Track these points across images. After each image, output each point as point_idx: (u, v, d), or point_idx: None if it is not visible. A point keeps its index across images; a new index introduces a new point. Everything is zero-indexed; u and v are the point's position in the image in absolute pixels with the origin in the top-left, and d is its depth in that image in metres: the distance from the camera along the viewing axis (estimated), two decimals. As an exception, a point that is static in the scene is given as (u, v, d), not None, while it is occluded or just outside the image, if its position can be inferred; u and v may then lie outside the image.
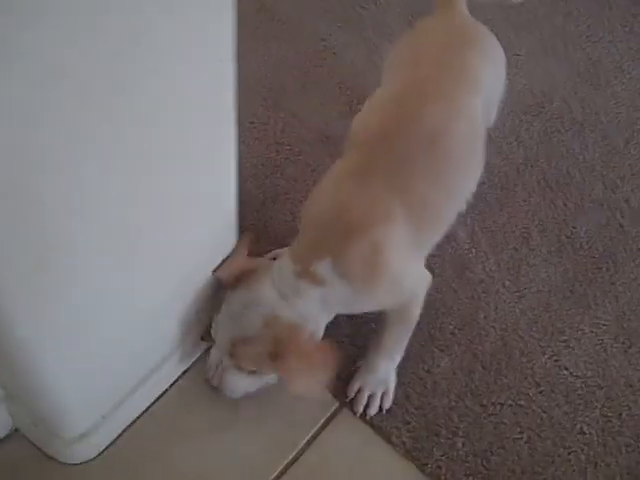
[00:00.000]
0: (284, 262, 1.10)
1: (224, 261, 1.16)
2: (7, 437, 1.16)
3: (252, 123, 1.51)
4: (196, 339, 1.22)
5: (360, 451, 1.20)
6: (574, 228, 1.43)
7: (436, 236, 1.20)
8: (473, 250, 1.39)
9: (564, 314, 1.33)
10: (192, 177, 0.98)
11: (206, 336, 1.19)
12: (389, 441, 1.20)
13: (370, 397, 1.22)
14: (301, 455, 1.19)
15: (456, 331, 1.30)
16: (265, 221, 1.39)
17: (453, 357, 1.28)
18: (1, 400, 1.12)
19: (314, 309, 1.10)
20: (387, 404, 1.22)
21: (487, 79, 1.26)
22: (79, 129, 0.75)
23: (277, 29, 1.70)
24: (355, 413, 1.22)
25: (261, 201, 1.41)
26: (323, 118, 1.55)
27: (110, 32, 0.71)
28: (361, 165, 1.12)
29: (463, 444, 1.19)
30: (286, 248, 1.15)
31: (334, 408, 1.23)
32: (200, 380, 1.22)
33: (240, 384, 1.15)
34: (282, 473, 1.17)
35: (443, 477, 1.16)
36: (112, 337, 1.04)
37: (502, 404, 1.24)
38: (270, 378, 1.15)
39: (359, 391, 1.23)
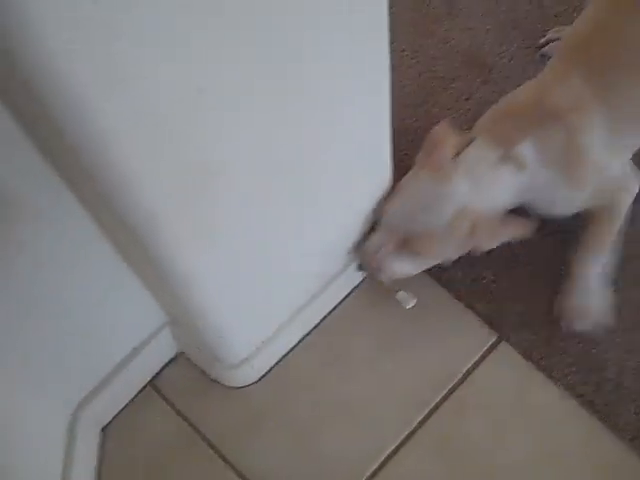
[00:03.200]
0: (481, 149, 1.11)
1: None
2: (173, 360, 1.22)
3: (403, 51, 1.46)
4: (351, 271, 1.21)
5: (519, 386, 1.16)
6: None
7: (632, 132, 1.18)
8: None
9: None
10: (349, 110, 0.94)
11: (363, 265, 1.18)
12: (550, 376, 1.15)
13: (581, 310, 1.17)
14: (456, 389, 1.17)
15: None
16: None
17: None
18: (166, 325, 1.17)
19: (508, 197, 1.12)
20: (603, 318, 1.17)
21: None
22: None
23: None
24: (563, 328, 1.18)
25: (414, 130, 1.37)
26: (475, 43, 1.48)
27: None
28: (564, 64, 1.17)
29: (633, 382, 1.13)
30: (475, 139, 1.14)
31: (493, 340, 1.20)
32: (357, 308, 1.23)
33: (402, 267, 1.15)
34: (437, 406, 1.16)
35: (611, 414, 1.11)
36: (275, 268, 1.05)
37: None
38: (432, 263, 1.17)
39: (569, 307, 1.18)
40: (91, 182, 0.74)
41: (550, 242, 1.25)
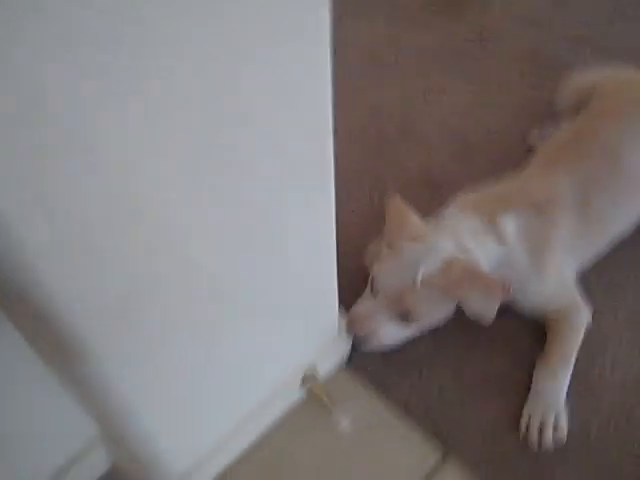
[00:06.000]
0: (465, 218, 1.19)
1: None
2: (105, 476, 1.15)
3: (355, 170, 1.50)
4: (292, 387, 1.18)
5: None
6: None
7: (594, 248, 1.28)
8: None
9: None
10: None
11: (307, 382, 1.19)
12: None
13: (542, 426, 1.15)
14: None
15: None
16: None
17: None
18: (99, 437, 1.11)
19: (489, 266, 1.16)
20: (561, 434, 1.14)
21: None
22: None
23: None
24: (531, 446, 1.14)
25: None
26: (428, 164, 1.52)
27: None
28: (549, 162, 1.28)
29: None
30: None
31: (440, 454, 1.14)
32: (299, 426, 1.18)
33: (392, 332, 1.18)
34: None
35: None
36: (212, 390, 1.01)
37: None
38: (419, 327, 1.20)
39: (530, 423, 1.16)
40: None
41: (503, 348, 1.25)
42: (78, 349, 0.76)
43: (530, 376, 1.21)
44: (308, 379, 1.18)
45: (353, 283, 1.27)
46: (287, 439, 1.17)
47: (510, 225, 1.17)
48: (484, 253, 1.16)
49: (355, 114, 1.63)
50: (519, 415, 1.17)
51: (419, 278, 1.11)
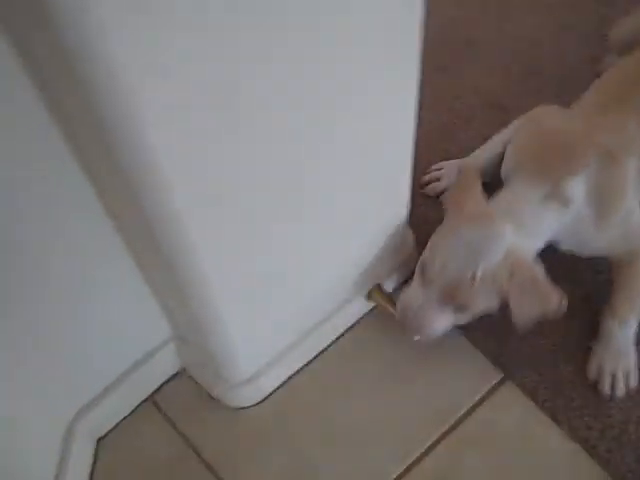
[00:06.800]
0: (524, 188, 1.10)
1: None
2: (175, 376, 1.21)
3: (424, 87, 1.47)
4: (360, 298, 1.22)
5: (522, 427, 1.15)
6: None
7: None
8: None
9: None
10: (375, 141, 0.96)
11: (373, 294, 1.19)
12: (554, 419, 1.15)
13: (613, 377, 1.15)
14: (459, 424, 1.16)
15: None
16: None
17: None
18: (170, 340, 1.16)
19: (550, 235, 1.10)
20: (633, 382, 1.15)
21: None
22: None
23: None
24: (604, 397, 1.15)
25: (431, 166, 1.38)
26: (496, 84, 1.49)
27: None
28: (612, 103, 1.16)
29: (635, 429, 1.13)
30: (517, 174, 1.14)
31: (498, 379, 1.19)
32: (365, 336, 1.23)
33: (445, 323, 1.10)
34: (437, 442, 1.15)
35: (613, 461, 1.10)
36: (289, 286, 1.05)
37: (681, 391, 1.16)
38: (473, 315, 1.11)
39: (600, 372, 1.16)
40: (119, 176, 0.74)
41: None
42: (174, 235, 0.81)
43: (591, 310, 1.22)
44: (374, 292, 1.21)
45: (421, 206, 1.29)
46: (352, 351, 1.22)
47: (578, 189, 1.09)
48: (544, 226, 1.09)
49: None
50: (577, 348, 1.20)
51: (479, 274, 1.03)
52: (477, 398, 1.18)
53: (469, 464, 1.13)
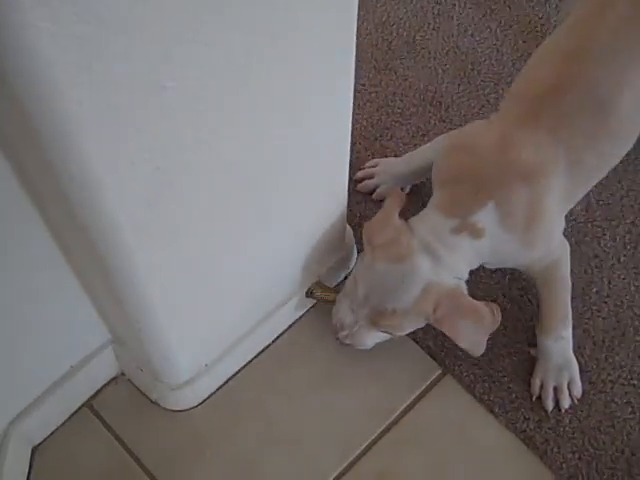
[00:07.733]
0: (434, 219, 1.08)
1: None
2: (112, 380, 1.19)
3: (363, 85, 1.48)
4: (299, 298, 1.21)
5: (461, 421, 1.17)
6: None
7: (580, 196, 1.17)
8: (588, 225, 1.33)
9: (685, 293, 1.26)
10: (311, 134, 0.95)
11: (314, 290, 1.20)
12: (491, 411, 1.16)
13: (556, 389, 1.16)
14: (399, 420, 1.17)
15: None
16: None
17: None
18: (108, 343, 1.14)
19: (467, 263, 1.08)
20: (577, 392, 1.16)
21: None
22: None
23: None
24: (547, 411, 1.16)
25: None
26: (435, 83, 1.50)
27: None
28: (528, 116, 1.09)
29: (570, 420, 1.15)
30: (426, 209, 1.12)
31: (436, 374, 1.20)
32: (303, 336, 1.23)
33: (375, 339, 1.12)
34: (378, 438, 1.15)
35: (549, 452, 1.12)
36: (226, 287, 1.04)
37: (613, 382, 1.18)
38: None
39: (542, 386, 1.17)
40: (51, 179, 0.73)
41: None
42: (110, 236, 0.80)
43: (525, 305, 1.25)
44: (315, 288, 1.21)
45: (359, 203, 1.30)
46: (290, 351, 1.22)
47: (488, 219, 1.05)
48: (459, 258, 1.07)
49: (363, 30, 1.59)
50: (514, 342, 1.22)
51: (398, 310, 1.05)
52: (417, 394, 1.19)
53: (408, 460, 1.14)
